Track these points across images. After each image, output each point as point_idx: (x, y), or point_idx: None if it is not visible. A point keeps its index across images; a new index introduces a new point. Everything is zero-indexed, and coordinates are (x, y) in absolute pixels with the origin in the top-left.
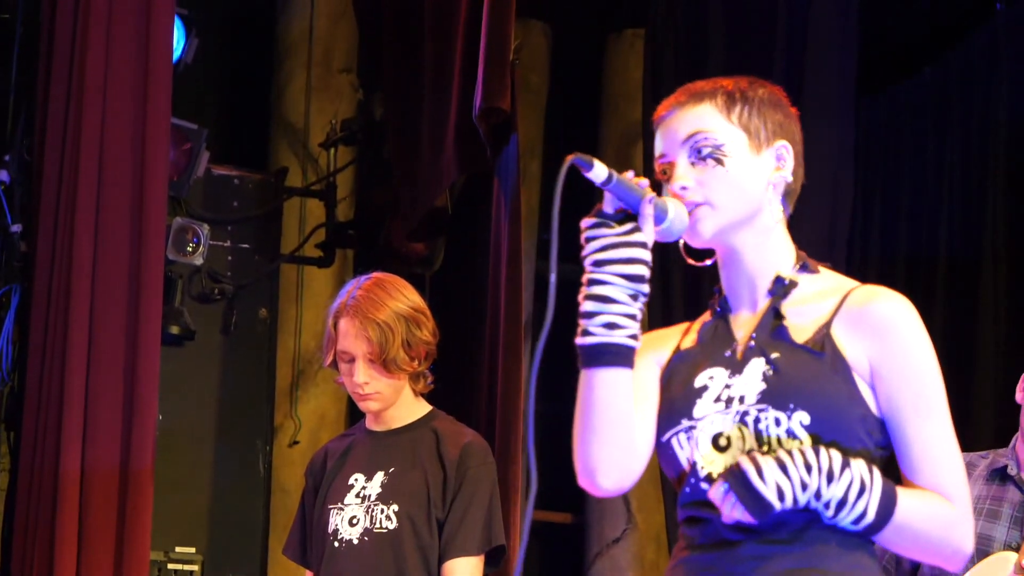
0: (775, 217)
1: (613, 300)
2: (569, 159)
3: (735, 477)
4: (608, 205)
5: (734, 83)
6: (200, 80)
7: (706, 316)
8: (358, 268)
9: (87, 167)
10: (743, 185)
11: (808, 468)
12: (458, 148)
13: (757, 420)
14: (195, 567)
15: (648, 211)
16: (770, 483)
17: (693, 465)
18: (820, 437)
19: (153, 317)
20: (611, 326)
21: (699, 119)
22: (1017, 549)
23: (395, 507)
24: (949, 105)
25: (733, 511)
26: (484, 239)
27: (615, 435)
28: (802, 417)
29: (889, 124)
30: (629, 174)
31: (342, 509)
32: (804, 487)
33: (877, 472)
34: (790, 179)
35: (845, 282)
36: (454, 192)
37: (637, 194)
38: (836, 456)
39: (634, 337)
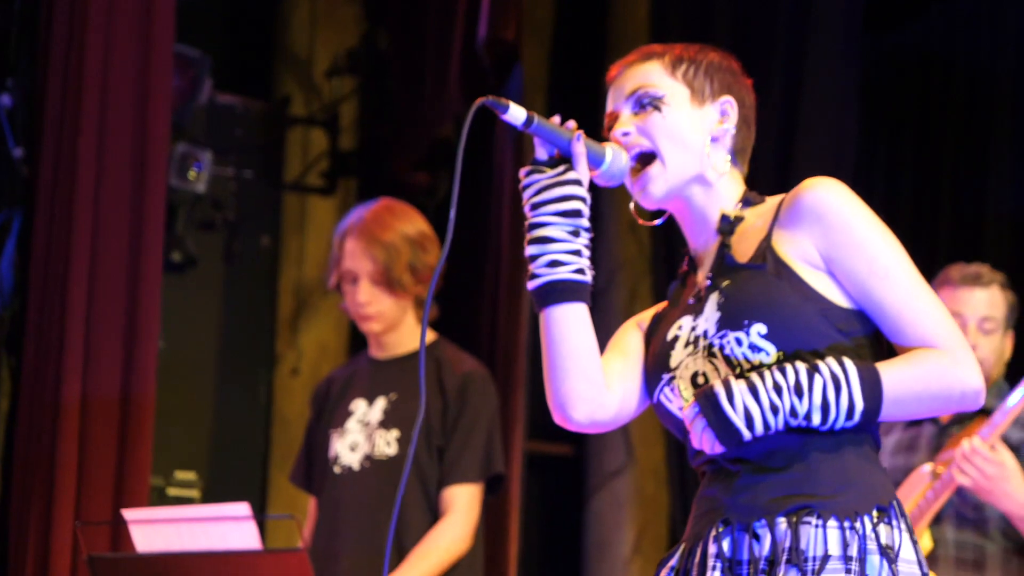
0: (719, 169)
1: (553, 239)
2: (479, 101)
3: (707, 400)
4: (541, 152)
5: (685, 47)
6: (204, 7)
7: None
8: (361, 198)
9: (90, 93)
10: (682, 134)
11: (778, 389)
12: (462, 79)
13: (722, 347)
14: (195, 492)
15: (579, 149)
16: (739, 408)
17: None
18: (782, 342)
19: (155, 244)
20: (554, 263)
21: (645, 75)
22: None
23: (396, 433)
24: (955, 48)
25: (703, 437)
26: (487, 168)
27: (576, 368)
28: (759, 328)
29: (894, 66)
30: (555, 118)
31: (343, 434)
32: (775, 410)
33: (849, 361)
34: (733, 132)
35: (777, 200)
36: (458, 123)
37: (565, 135)
38: (802, 367)
39: (580, 271)
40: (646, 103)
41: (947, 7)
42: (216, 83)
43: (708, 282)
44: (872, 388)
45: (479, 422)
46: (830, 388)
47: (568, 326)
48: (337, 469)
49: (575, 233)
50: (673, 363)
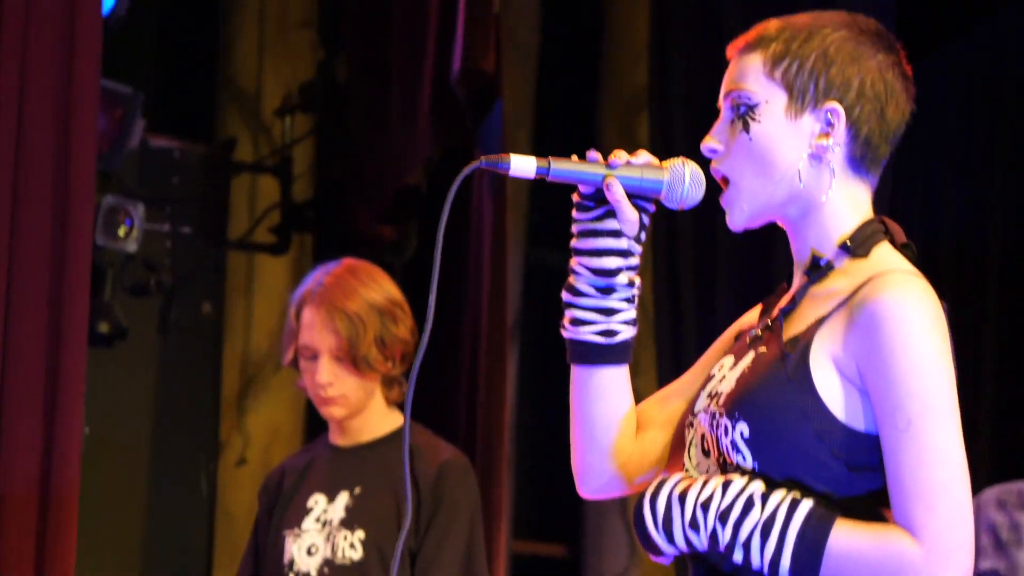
0: (820, 190)
1: (582, 293)
2: (473, 163)
3: (640, 498)
4: (586, 186)
5: (807, 24)
6: (135, 37)
7: None
8: (318, 256)
9: (3, 138)
10: (769, 156)
11: (705, 505)
12: (434, 117)
13: (716, 426)
14: None
15: (616, 196)
16: (659, 514)
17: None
18: (759, 452)
19: (78, 313)
20: (576, 322)
21: (742, 74)
22: None
23: (360, 534)
24: (1003, 66)
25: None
26: (464, 223)
27: (586, 439)
28: (743, 428)
29: (929, 98)
30: (593, 155)
31: (299, 535)
32: (695, 527)
33: (806, 507)
34: (834, 149)
35: (875, 268)
36: (429, 168)
37: (596, 174)
38: (749, 491)
39: (607, 333)
40: (740, 112)
41: (991, 21)
42: (149, 124)
43: (756, 332)
44: (809, 550)
45: (458, 519)
46: (757, 529)
47: (583, 392)
48: None
49: (607, 291)
50: (697, 407)
